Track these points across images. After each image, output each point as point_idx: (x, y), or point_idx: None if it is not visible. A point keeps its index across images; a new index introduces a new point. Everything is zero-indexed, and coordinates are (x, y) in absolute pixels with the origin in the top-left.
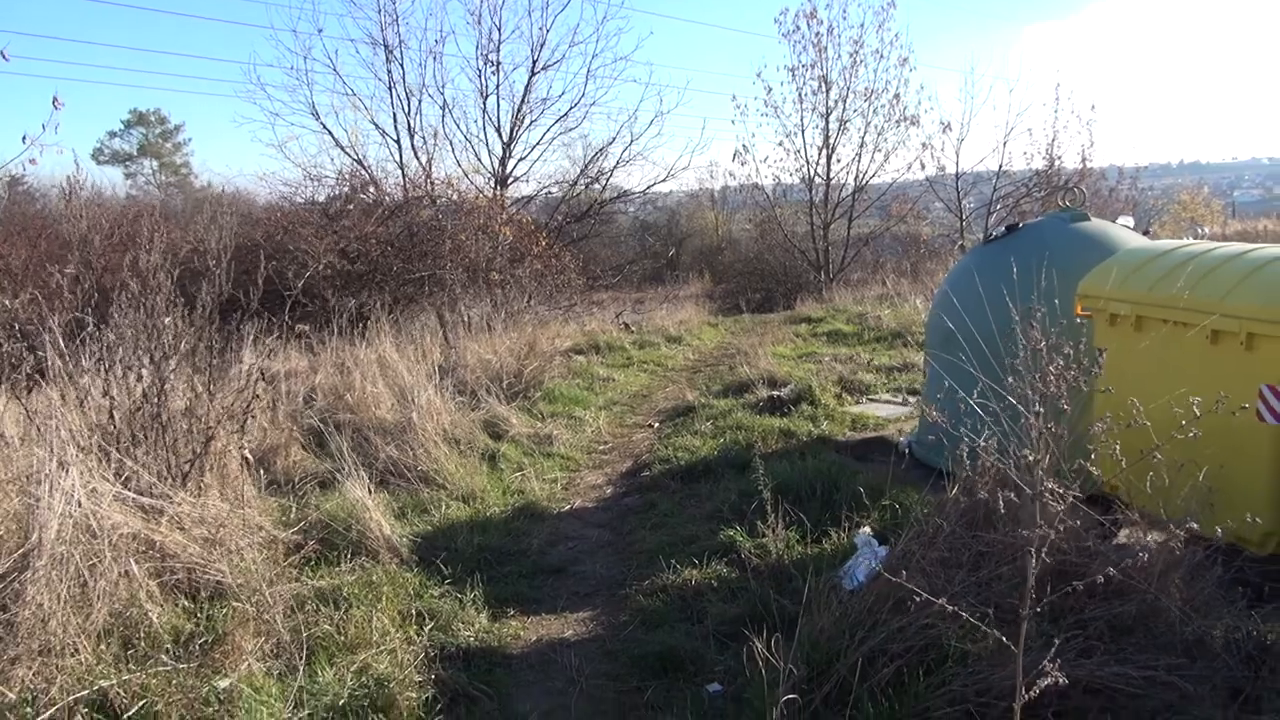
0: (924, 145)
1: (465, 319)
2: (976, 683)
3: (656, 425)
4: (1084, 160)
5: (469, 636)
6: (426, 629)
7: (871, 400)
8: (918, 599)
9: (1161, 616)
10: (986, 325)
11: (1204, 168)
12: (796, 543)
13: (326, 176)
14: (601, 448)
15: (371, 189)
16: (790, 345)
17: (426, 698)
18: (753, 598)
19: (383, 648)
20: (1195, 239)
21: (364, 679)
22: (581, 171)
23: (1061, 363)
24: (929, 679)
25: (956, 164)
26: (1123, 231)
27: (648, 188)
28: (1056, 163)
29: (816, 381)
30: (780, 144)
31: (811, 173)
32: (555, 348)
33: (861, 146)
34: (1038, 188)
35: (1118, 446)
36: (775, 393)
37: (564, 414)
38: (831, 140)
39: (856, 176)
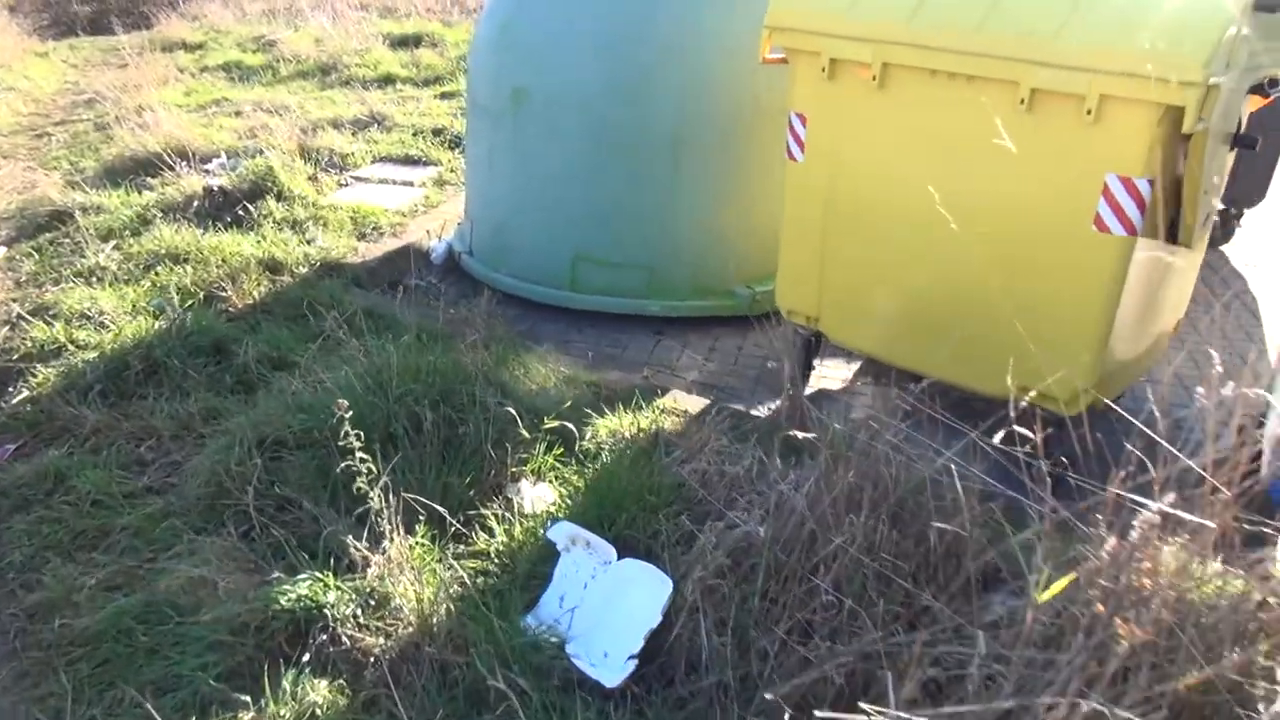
0: None
1: None
2: None
3: (3, 254)
4: None
5: None
6: None
7: (359, 180)
8: None
9: None
10: (584, 73)
11: None
12: (429, 558)
13: None
14: None
15: None
16: (181, 87)
17: None
18: None
19: None
20: None
21: None
22: None
23: None
24: None
25: None
26: None
27: None
28: None
29: (277, 158)
30: None
31: None
32: None
33: None
34: None
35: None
36: (215, 183)
37: None
38: None
39: None
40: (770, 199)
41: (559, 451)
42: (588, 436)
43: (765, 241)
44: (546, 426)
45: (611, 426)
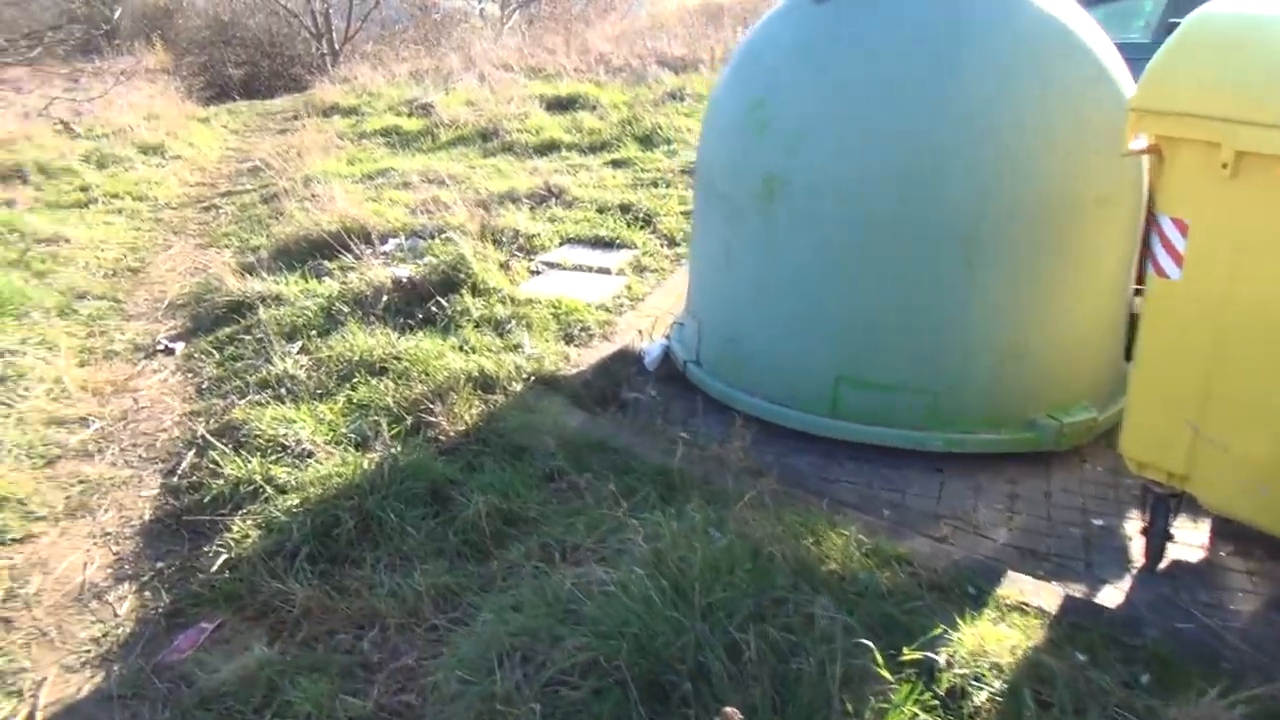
0: None
1: None
2: None
3: (181, 351)
4: None
5: None
6: None
7: (551, 266)
8: None
9: None
10: (859, 158)
11: None
12: None
13: None
14: (73, 440)
15: None
16: (343, 155)
17: None
18: None
19: None
20: None
21: None
22: None
23: None
24: None
25: None
26: None
27: None
28: None
29: (467, 245)
30: None
31: None
32: None
33: None
34: None
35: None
36: (403, 273)
37: None
38: None
39: None
40: (1083, 309)
41: (919, 691)
42: (942, 656)
43: (1074, 362)
44: (907, 658)
45: (973, 647)
